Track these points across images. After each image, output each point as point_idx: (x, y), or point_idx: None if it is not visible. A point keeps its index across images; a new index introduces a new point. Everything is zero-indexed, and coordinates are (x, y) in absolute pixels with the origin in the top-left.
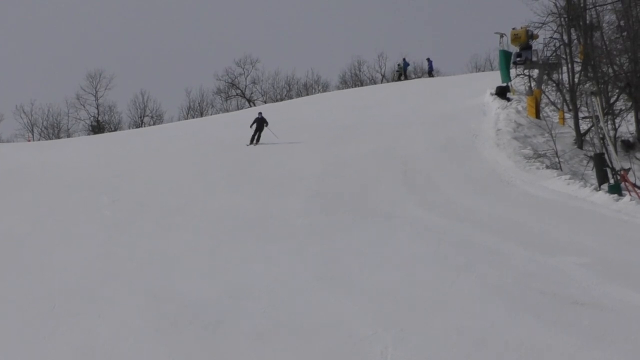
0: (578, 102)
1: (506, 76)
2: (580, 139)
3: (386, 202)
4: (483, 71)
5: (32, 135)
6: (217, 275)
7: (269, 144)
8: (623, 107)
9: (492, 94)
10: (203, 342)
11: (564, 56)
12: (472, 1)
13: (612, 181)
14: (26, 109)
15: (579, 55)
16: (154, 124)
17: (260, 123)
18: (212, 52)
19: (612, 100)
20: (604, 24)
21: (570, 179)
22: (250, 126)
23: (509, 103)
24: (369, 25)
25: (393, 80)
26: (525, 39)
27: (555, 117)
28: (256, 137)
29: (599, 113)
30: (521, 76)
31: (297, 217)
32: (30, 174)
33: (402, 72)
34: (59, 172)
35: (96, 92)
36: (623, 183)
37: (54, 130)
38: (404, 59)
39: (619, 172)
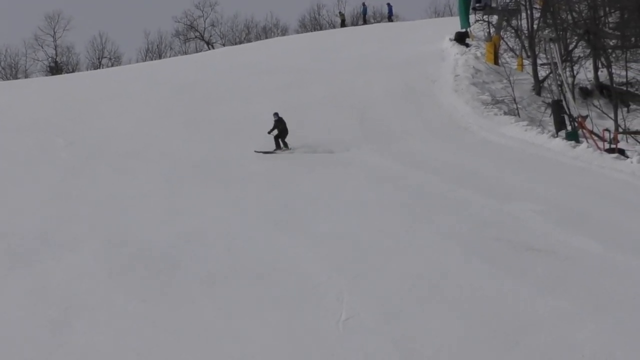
0: (537, 49)
1: (465, 22)
2: (538, 86)
3: (342, 148)
4: (442, 16)
5: None
6: (173, 220)
7: (223, 86)
8: (581, 54)
9: (450, 40)
10: (158, 285)
11: (523, 2)
12: None
13: (569, 128)
14: None
15: (538, 1)
16: (112, 65)
17: (283, 125)
18: None
19: (570, 47)
20: None
21: (527, 125)
22: (270, 132)
23: (467, 49)
24: None
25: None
26: None
27: (513, 63)
28: (281, 142)
29: (558, 60)
30: (480, 22)
31: (253, 163)
32: None
33: (345, 19)
34: (15, 113)
35: (54, 33)
36: (580, 130)
37: (11, 70)
38: (363, 3)
39: (576, 119)
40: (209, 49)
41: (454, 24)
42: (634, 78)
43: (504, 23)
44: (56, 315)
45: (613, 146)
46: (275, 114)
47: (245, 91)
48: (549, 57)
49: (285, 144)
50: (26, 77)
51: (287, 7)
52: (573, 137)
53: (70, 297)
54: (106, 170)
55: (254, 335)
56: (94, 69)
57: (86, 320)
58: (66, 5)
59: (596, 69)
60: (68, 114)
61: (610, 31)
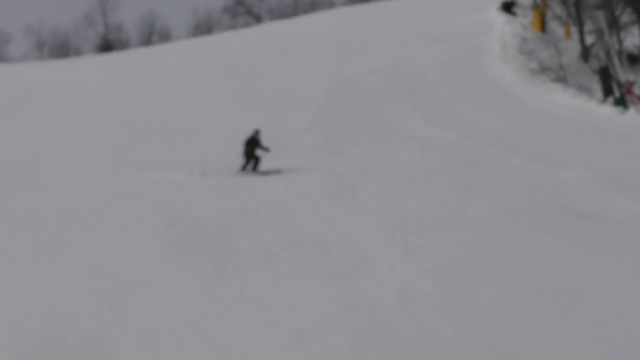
0: (583, 16)
1: None
2: (585, 53)
3: (392, 118)
4: None
5: (42, 54)
6: (226, 194)
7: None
8: (628, 21)
9: (497, 9)
10: (213, 260)
11: None
12: None
13: (617, 94)
14: (35, 29)
15: None
16: (162, 42)
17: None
18: None
19: (616, 14)
20: None
21: (576, 92)
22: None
23: (514, 18)
24: None
25: None
26: None
27: (560, 31)
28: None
29: (604, 27)
30: None
31: (304, 134)
32: (40, 94)
33: None
34: (68, 92)
35: (104, 11)
36: (629, 96)
37: (62, 49)
38: None
39: (624, 85)
40: (258, 23)
41: None
42: None
43: None
44: (114, 290)
45: None
46: (256, 131)
47: (294, 64)
48: (595, 24)
49: (251, 167)
50: (77, 55)
51: None
52: (621, 103)
53: (127, 273)
54: (159, 146)
55: (309, 306)
56: (144, 46)
57: (143, 295)
58: None
59: None
60: (120, 92)
61: None
